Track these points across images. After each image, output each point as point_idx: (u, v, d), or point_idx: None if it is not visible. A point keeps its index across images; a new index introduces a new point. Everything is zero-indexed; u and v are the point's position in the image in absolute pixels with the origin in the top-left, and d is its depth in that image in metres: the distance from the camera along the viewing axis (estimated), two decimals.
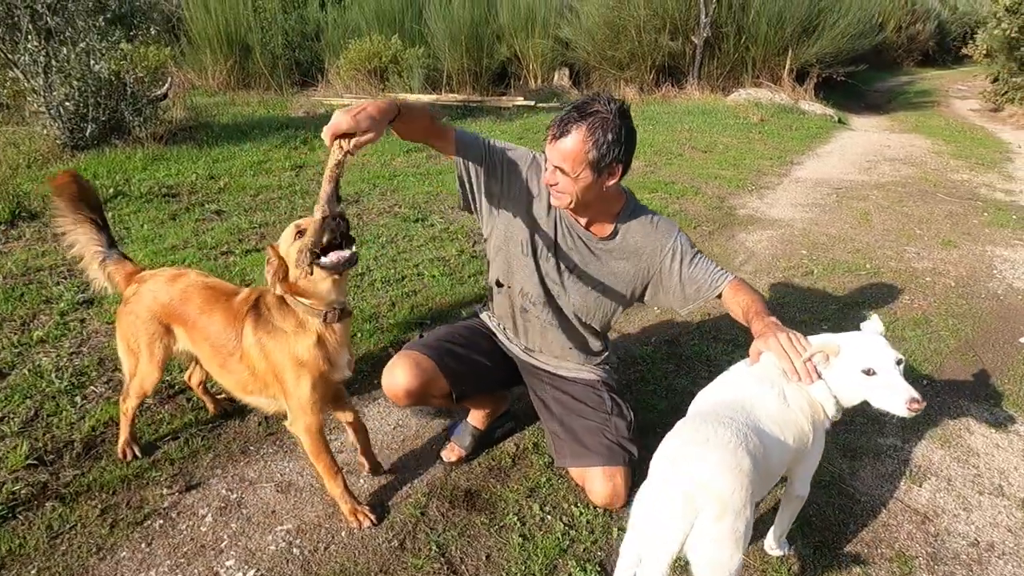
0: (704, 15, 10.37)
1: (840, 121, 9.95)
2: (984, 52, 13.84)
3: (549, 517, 2.04)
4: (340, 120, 1.59)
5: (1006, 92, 11.52)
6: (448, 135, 1.98)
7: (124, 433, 2.22)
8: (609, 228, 2.05)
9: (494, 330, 2.32)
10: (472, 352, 2.21)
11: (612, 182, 1.87)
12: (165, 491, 2.10)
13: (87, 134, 6.00)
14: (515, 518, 2.03)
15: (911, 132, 9.34)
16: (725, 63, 10.93)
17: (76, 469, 2.17)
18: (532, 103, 9.73)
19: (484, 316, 2.37)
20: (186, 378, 2.47)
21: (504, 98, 10.15)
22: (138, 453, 2.22)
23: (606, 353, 2.28)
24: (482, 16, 11.04)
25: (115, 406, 2.46)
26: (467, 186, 2.04)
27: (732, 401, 1.63)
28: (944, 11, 22.50)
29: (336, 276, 1.78)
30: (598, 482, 2.02)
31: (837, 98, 11.28)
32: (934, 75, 19.17)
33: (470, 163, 2.00)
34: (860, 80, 12.49)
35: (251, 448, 2.33)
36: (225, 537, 1.94)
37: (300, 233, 1.75)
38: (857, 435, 2.47)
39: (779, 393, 1.64)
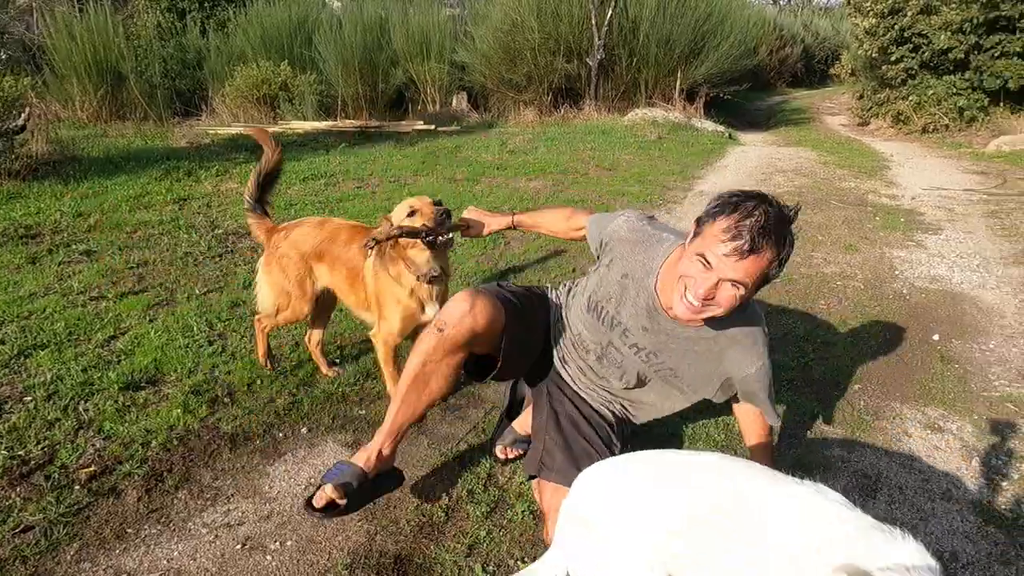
0: (597, 38, 10.59)
1: (731, 137, 10.39)
2: (849, 71, 15.03)
3: None
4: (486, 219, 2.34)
5: (871, 108, 12.47)
6: (580, 232, 2.17)
7: (262, 347, 2.78)
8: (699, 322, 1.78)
9: (552, 313, 2.12)
10: (532, 327, 2.05)
11: None
12: None
13: None
14: None
15: (796, 145, 9.86)
16: (619, 84, 11.20)
17: None
18: (432, 127, 9.53)
19: (552, 295, 2.16)
20: (306, 340, 2.85)
21: (403, 123, 9.89)
22: (272, 365, 2.81)
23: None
24: (375, 41, 10.79)
25: None
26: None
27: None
28: (808, 36, 24.37)
29: (432, 252, 2.27)
30: None
31: (723, 116, 11.81)
32: (804, 94, 20.62)
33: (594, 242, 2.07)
34: (742, 99, 13.18)
35: (129, 531, 1.93)
36: None
37: (412, 213, 2.22)
38: (804, 449, 2.38)
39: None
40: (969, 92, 10.18)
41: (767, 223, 1.53)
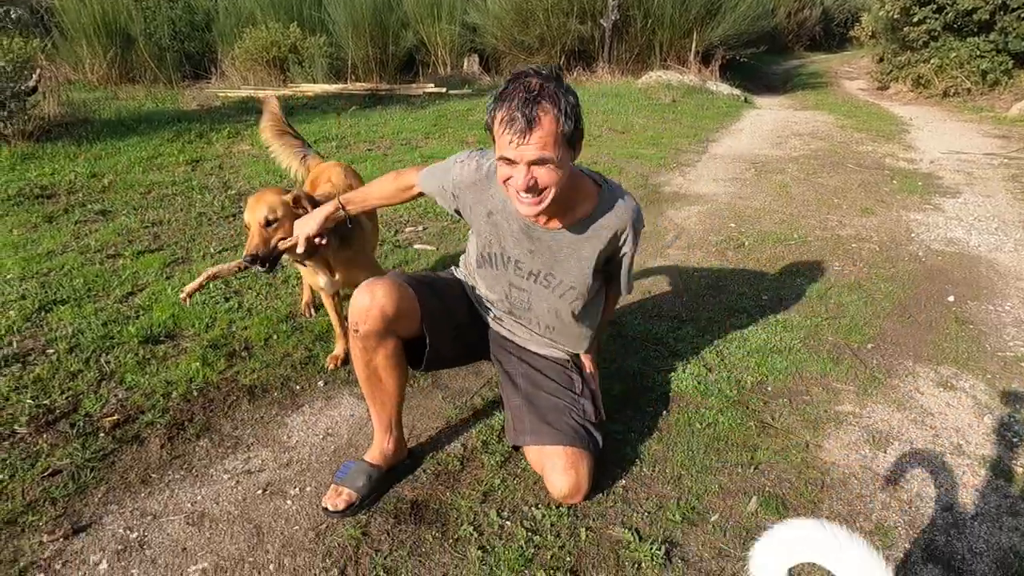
0: None
1: (746, 100, 10.22)
2: (869, 33, 14.67)
3: (508, 523, 1.82)
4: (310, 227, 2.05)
5: (891, 71, 12.20)
6: (411, 191, 2.04)
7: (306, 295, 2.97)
8: (574, 220, 1.81)
9: (468, 288, 2.12)
10: (447, 300, 2.02)
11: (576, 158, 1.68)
12: (46, 538, 1.73)
13: None
14: (470, 528, 1.80)
15: (813, 109, 9.69)
16: (633, 46, 11.00)
17: None
18: (443, 90, 9.43)
19: (458, 273, 2.16)
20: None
21: (414, 86, 9.79)
22: (313, 313, 2.95)
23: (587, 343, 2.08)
24: (385, 3, 10.60)
25: None
26: (450, 210, 2.01)
27: None
28: None
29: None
30: (558, 471, 1.81)
31: (739, 79, 11.59)
32: (822, 58, 20.18)
33: (440, 198, 2.00)
34: (758, 62, 12.93)
35: (153, 476, 1.98)
36: None
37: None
38: (814, 405, 2.39)
39: None
40: (993, 55, 9.93)
41: (530, 93, 1.52)
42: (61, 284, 3.15)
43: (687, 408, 2.35)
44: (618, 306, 3.14)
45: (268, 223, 2.07)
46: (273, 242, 2.07)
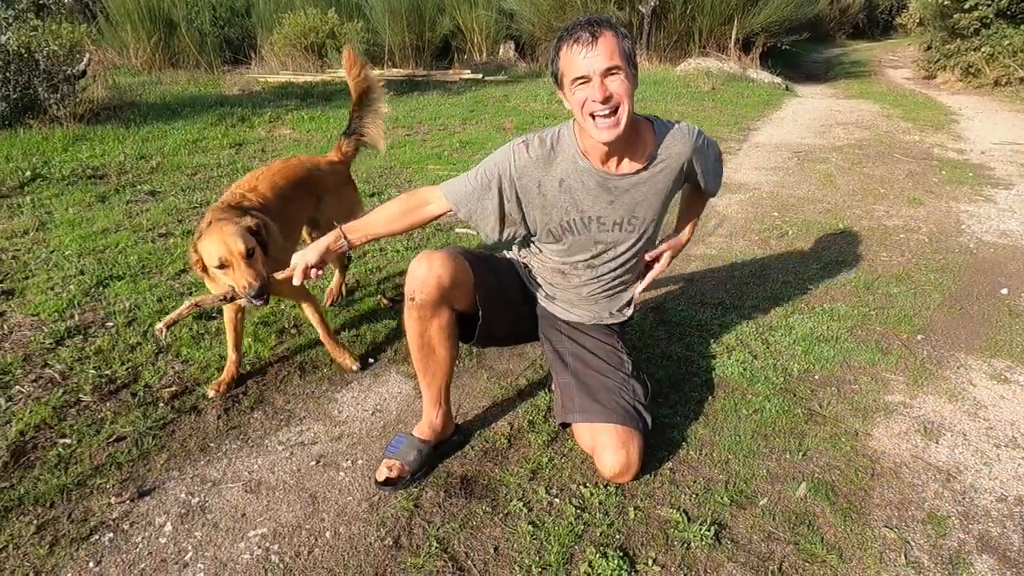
0: None
1: (787, 88, 10.02)
2: (916, 21, 14.25)
3: (557, 500, 1.84)
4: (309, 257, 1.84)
5: (938, 60, 11.85)
6: (425, 210, 1.93)
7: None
8: (643, 160, 1.88)
9: (520, 269, 2.16)
10: (501, 276, 2.06)
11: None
12: (113, 500, 1.81)
13: None
14: (520, 504, 1.82)
15: (857, 98, 9.47)
16: (672, 33, 10.86)
17: (3, 481, 1.85)
18: (479, 76, 9.43)
19: (511, 254, 2.20)
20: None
21: (450, 72, 9.81)
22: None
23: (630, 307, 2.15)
24: None
25: (44, 407, 2.14)
26: (491, 223, 1.92)
27: None
28: None
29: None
30: (609, 450, 1.83)
31: (780, 67, 11.37)
32: (865, 46, 19.68)
33: (478, 208, 1.91)
34: (799, 51, 12.66)
35: (211, 445, 2.05)
36: (189, 548, 1.67)
37: (222, 266, 1.95)
38: (863, 394, 2.36)
39: None
40: None
41: (590, 19, 1.70)
42: (116, 261, 3.25)
43: (733, 394, 2.34)
44: (666, 279, 3.13)
45: (249, 253, 1.94)
46: (263, 271, 1.96)
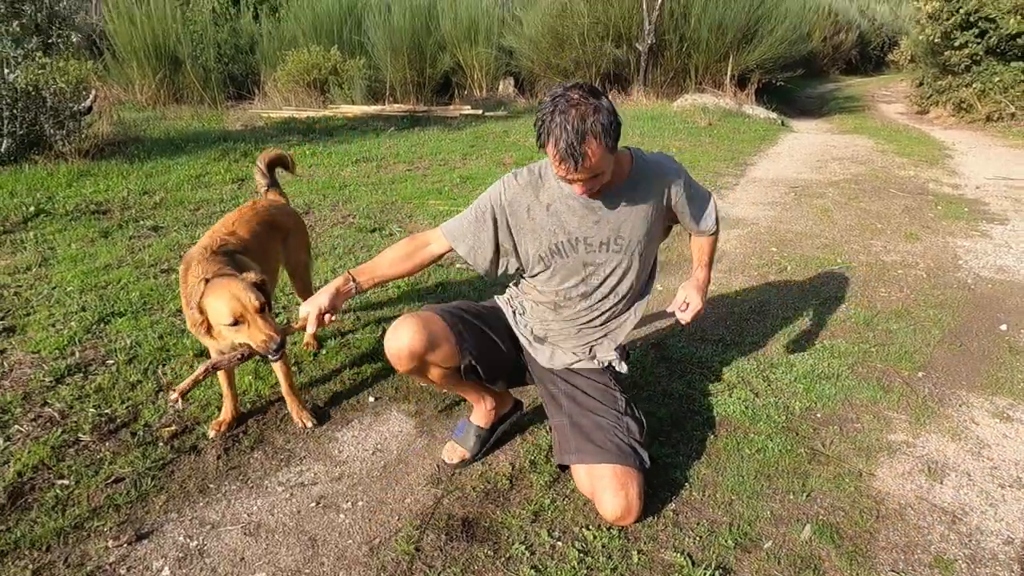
0: (647, 22, 10.46)
1: (783, 124, 10.16)
2: (908, 57, 14.50)
3: (560, 544, 1.82)
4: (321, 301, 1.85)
5: (931, 95, 12.01)
6: (428, 250, 2.01)
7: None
8: (621, 181, 1.96)
9: (507, 315, 2.19)
10: (486, 326, 2.08)
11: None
12: (111, 543, 1.79)
13: (2, 149, 5.50)
14: (522, 547, 1.80)
15: (852, 133, 9.60)
16: (669, 70, 11.04)
17: (0, 524, 1.83)
18: (479, 111, 9.56)
19: (501, 300, 2.23)
20: None
21: (450, 107, 9.95)
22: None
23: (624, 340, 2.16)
24: (423, 26, 10.83)
25: (43, 447, 2.13)
26: (487, 257, 2.01)
27: None
28: (864, 22, 23.53)
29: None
30: (608, 492, 1.82)
31: (775, 103, 11.53)
32: (858, 82, 19.97)
33: (475, 244, 2.00)
34: (794, 86, 12.86)
35: (210, 486, 2.03)
36: None
37: (236, 323, 1.88)
38: (866, 433, 2.36)
39: None
40: None
41: (575, 127, 1.64)
42: (118, 297, 3.25)
43: (735, 433, 2.33)
44: (666, 315, 3.14)
45: (262, 308, 1.89)
46: (275, 323, 1.93)
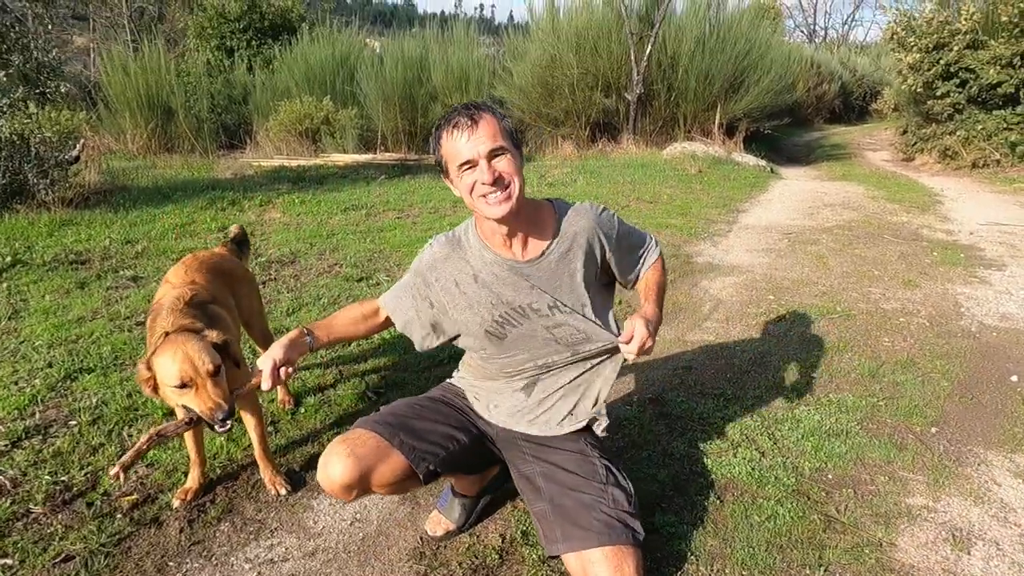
0: (636, 73, 10.61)
1: (772, 171, 10.23)
2: (892, 106, 14.79)
3: None
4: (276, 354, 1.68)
5: (915, 143, 12.18)
6: (377, 317, 1.94)
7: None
8: (547, 239, 1.81)
9: (467, 397, 1.97)
10: (438, 424, 1.84)
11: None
12: None
13: None
14: None
15: (841, 180, 9.66)
16: (658, 119, 11.16)
17: None
18: None
19: (455, 380, 2.04)
20: None
21: None
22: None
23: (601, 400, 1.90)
24: (415, 77, 10.96)
25: None
26: (422, 331, 1.91)
27: None
28: (846, 74, 24.16)
29: None
30: (603, 574, 1.64)
31: (763, 151, 11.65)
32: (842, 130, 20.34)
33: (410, 317, 1.90)
34: (780, 135, 13.05)
35: (170, 564, 1.85)
36: None
37: (184, 385, 1.73)
38: (882, 496, 2.20)
39: None
40: (1022, 127, 9.88)
41: (467, 104, 1.68)
42: (88, 352, 3.09)
43: (742, 498, 2.17)
44: (664, 367, 3.00)
45: (215, 371, 1.75)
46: (228, 390, 1.78)
